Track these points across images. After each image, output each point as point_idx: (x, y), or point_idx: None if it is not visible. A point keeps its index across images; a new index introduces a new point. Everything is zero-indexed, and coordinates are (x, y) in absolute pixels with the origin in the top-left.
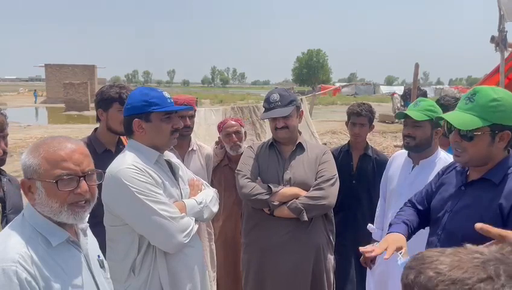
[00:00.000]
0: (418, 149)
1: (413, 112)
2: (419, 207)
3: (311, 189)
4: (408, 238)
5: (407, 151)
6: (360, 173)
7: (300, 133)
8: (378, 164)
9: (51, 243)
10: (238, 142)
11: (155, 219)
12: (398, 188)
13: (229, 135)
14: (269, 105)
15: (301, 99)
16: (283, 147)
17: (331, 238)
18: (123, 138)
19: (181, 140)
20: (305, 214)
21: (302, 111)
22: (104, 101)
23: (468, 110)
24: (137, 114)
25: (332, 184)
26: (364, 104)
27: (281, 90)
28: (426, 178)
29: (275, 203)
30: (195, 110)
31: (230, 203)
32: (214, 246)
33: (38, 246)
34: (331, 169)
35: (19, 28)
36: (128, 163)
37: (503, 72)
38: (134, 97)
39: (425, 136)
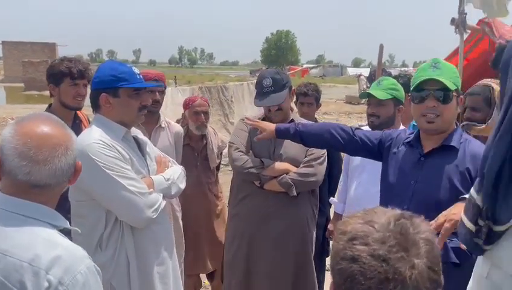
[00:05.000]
0: (382, 127)
1: (377, 91)
2: (356, 137)
3: (301, 166)
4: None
5: (369, 129)
6: None
7: (292, 110)
8: None
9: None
10: (205, 122)
11: (123, 193)
12: (361, 163)
13: (197, 114)
14: (262, 90)
15: None
16: (275, 123)
17: (315, 212)
18: (79, 112)
19: (149, 116)
20: (294, 189)
21: (294, 89)
22: (55, 76)
23: (440, 75)
24: (104, 89)
25: (321, 163)
26: (310, 84)
27: (273, 73)
28: None
29: (265, 176)
30: (165, 86)
31: (190, 183)
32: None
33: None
34: None
35: None
36: (95, 138)
37: (462, 54)
38: (102, 71)
39: (389, 114)
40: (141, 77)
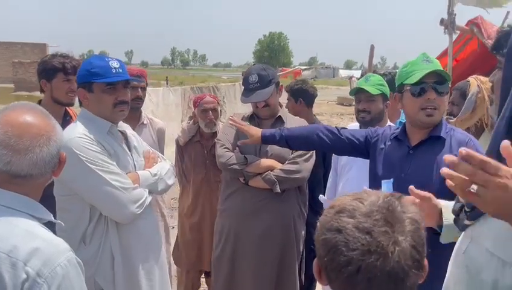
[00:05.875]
0: (373, 123)
1: (368, 86)
2: (342, 137)
3: (286, 162)
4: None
5: (358, 125)
6: None
7: (281, 106)
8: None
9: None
10: (213, 120)
11: (106, 189)
12: (349, 160)
13: (205, 111)
14: (248, 86)
15: None
16: (263, 120)
17: (303, 209)
18: (69, 110)
19: (131, 113)
20: (278, 185)
21: (281, 85)
22: (47, 72)
23: (436, 68)
24: (81, 83)
25: (307, 159)
26: (297, 81)
27: (259, 69)
28: None
29: (249, 173)
30: (146, 83)
31: (199, 180)
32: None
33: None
34: None
35: None
36: (79, 132)
37: (451, 54)
38: (82, 66)
39: (379, 109)
40: (119, 71)
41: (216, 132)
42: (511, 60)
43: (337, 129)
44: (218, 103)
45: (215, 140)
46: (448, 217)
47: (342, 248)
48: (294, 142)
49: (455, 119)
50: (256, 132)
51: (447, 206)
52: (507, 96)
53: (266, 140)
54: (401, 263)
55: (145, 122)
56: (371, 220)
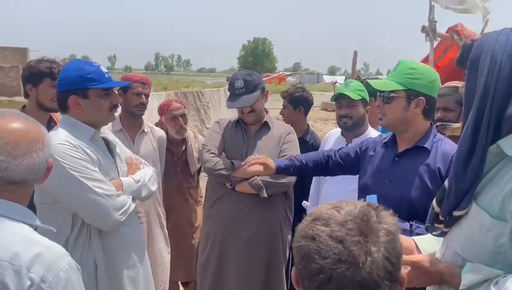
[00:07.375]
0: (355, 128)
1: (349, 92)
2: (334, 157)
3: None
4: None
5: (340, 130)
6: None
7: (267, 111)
8: (314, 149)
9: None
10: (184, 126)
11: (89, 196)
12: None
13: (175, 118)
14: (234, 92)
15: None
16: (249, 125)
17: (289, 214)
18: (54, 116)
19: (133, 120)
20: (264, 191)
21: (267, 91)
22: (34, 76)
23: (390, 77)
24: (73, 90)
25: None
26: (294, 86)
27: (245, 74)
28: None
29: (236, 178)
30: (149, 91)
31: (170, 188)
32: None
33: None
34: (293, 149)
35: None
36: (61, 139)
37: (433, 61)
38: (69, 72)
39: (360, 114)
40: (110, 75)
41: (186, 137)
42: (473, 72)
43: (334, 152)
44: (185, 107)
45: (201, 145)
46: (425, 248)
47: (315, 255)
48: (307, 171)
49: (459, 124)
50: (271, 165)
51: (418, 238)
52: (471, 106)
53: (280, 172)
54: (373, 274)
55: (145, 130)
56: (344, 229)
